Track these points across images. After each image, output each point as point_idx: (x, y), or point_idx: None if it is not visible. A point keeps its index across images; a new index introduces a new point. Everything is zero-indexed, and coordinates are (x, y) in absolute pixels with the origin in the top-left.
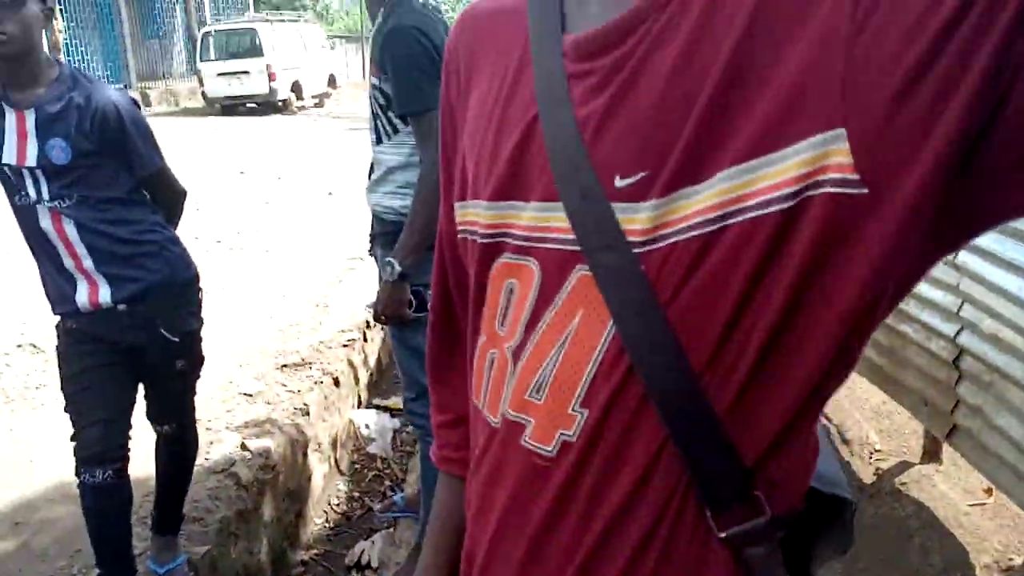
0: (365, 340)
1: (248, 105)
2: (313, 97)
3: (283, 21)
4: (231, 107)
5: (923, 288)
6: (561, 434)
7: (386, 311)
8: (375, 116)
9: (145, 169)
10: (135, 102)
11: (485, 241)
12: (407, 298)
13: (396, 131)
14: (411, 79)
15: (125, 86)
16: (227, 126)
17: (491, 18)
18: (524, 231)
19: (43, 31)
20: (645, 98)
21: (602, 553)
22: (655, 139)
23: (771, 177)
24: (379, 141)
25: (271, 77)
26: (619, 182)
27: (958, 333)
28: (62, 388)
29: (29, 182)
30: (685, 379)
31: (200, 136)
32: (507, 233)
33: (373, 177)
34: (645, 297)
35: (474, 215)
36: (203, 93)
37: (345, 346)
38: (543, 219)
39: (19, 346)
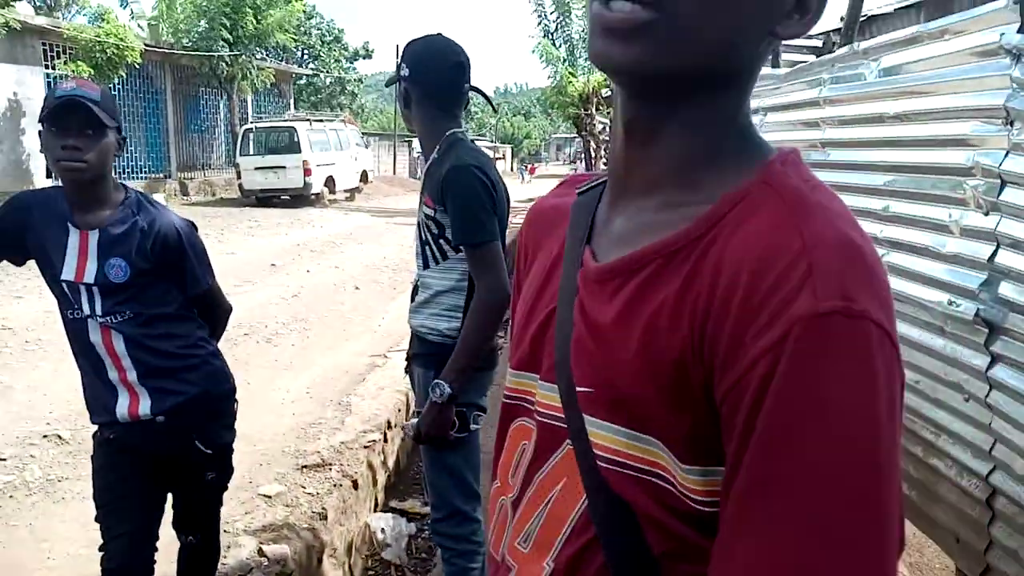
0: (385, 441)
1: (283, 197)
2: (345, 191)
3: (321, 120)
4: (266, 199)
5: (953, 423)
6: None
7: (430, 432)
8: (424, 243)
9: (197, 288)
10: (193, 225)
11: (506, 401)
12: (452, 420)
13: (445, 257)
14: (472, 213)
15: (166, 176)
16: (261, 217)
17: (551, 212)
18: (536, 401)
19: (115, 157)
20: (595, 332)
21: None
22: (591, 365)
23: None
24: (426, 266)
25: (307, 172)
26: (579, 388)
27: (991, 472)
28: (94, 497)
29: (84, 298)
30: (643, 557)
31: (234, 226)
32: (525, 399)
33: (418, 299)
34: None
35: (506, 379)
36: (240, 185)
37: (366, 447)
38: (546, 396)
39: (45, 436)
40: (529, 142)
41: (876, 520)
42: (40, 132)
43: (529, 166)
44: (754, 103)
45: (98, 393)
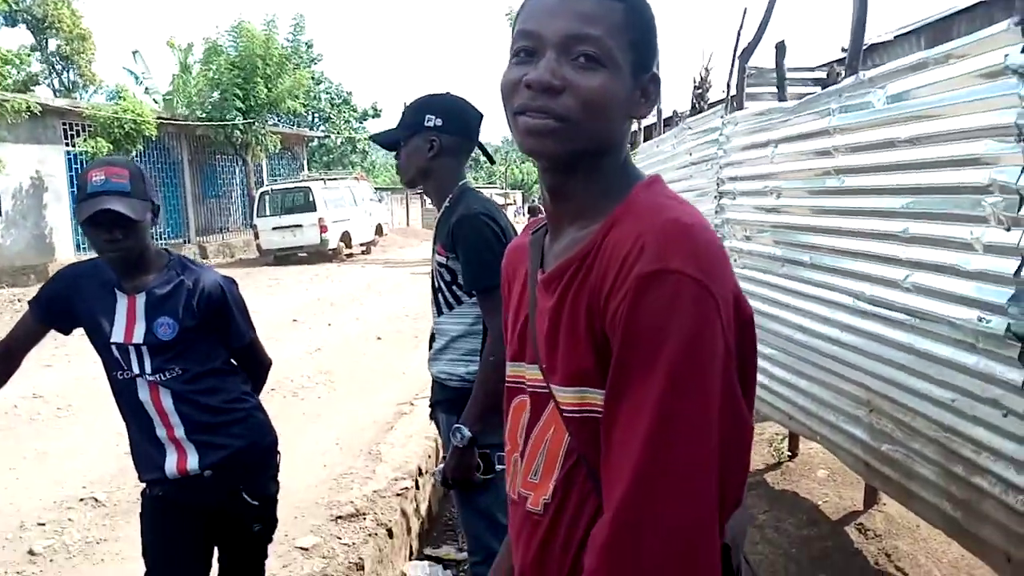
0: (417, 488)
1: (300, 254)
2: (361, 245)
3: (334, 179)
4: (284, 257)
5: (994, 439)
6: (543, 499)
7: (456, 475)
8: (438, 290)
9: (240, 341)
10: (233, 281)
11: (508, 386)
12: (476, 462)
13: (459, 302)
14: (483, 259)
15: (185, 241)
16: (280, 275)
17: (519, 250)
18: (524, 379)
19: (150, 228)
20: (547, 326)
21: (576, 567)
22: (548, 350)
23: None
24: (440, 312)
25: (323, 229)
26: (543, 364)
27: None
28: (143, 554)
29: (134, 358)
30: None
31: (255, 285)
32: (520, 381)
33: (436, 347)
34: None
35: (509, 366)
36: (258, 245)
37: (399, 495)
38: (533, 374)
39: (82, 500)
40: (539, 188)
41: (673, 378)
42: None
43: (535, 216)
44: (763, 136)
45: (146, 451)
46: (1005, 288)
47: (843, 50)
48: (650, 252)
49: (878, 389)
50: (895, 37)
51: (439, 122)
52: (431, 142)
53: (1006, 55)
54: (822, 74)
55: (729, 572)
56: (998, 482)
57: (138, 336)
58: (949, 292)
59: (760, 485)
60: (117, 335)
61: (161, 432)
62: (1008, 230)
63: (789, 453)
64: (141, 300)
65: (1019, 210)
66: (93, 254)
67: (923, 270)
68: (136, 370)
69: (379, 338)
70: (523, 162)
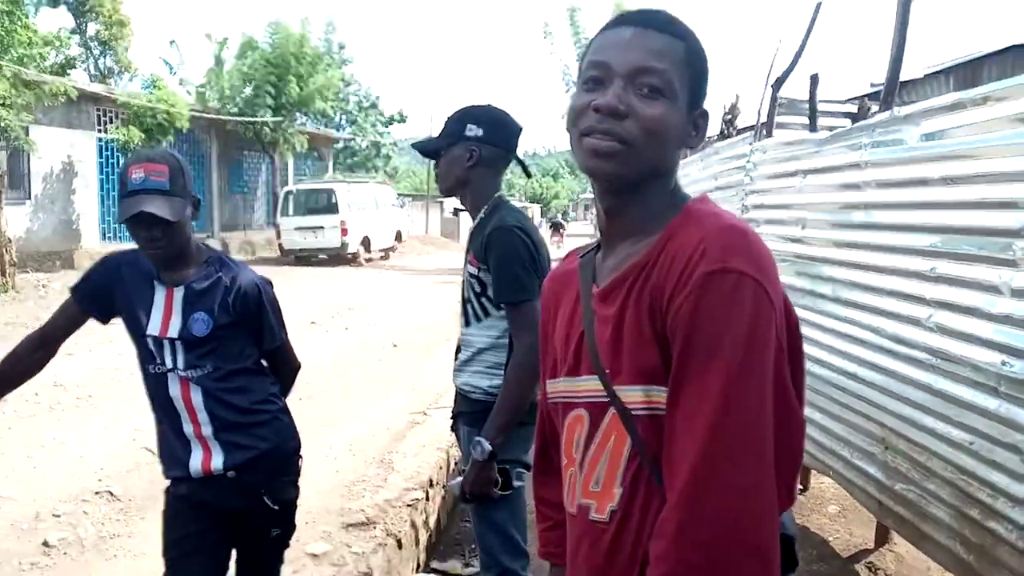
0: (427, 499)
1: (320, 256)
2: (380, 250)
3: (358, 182)
4: (304, 258)
5: (1011, 485)
6: (610, 506)
7: (474, 489)
8: (467, 301)
9: (272, 342)
10: (270, 283)
11: (561, 401)
12: (495, 477)
13: (487, 315)
14: (514, 273)
15: (209, 235)
16: (300, 275)
17: (563, 275)
18: (581, 393)
19: (191, 221)
20: (609, 332)
21: (644, 572)
22: (611, 355)
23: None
24: (468, 324)
25: (344, 232)
26: (607, 370)
27: None
28: (164, 553)
29: (167, 352)
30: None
31: (275, 285)
32: (571, 397)
33: (461, 358)
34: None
35: (558, 384)
36: (280, 245)
37: (409, 506)
38: (590, 385)
39: (97, 493)
40: (558, 202)
41: (742, 366)
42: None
43: (557, 233)
44: (792, 165)
45: (173, 447)
46: None
47: (872, 85)
48: (712, 253)
49: (895, 427)
50: (925, 76)
51: (480, 132)
52: (471, 152)
53: None
54: (853, 108)
55: (793, 562)
56: (1014, 528)
57: (173, 330)
58: (973, 334)
59: None
60: (153, 328)
61: (189, 429)
62: None
63: (801, 487)
64: (179, 294)
65: None
66: (118, 244)
67: (948, 310)
68: (169, 364)
69: (395, 345)
70: (544, 175)
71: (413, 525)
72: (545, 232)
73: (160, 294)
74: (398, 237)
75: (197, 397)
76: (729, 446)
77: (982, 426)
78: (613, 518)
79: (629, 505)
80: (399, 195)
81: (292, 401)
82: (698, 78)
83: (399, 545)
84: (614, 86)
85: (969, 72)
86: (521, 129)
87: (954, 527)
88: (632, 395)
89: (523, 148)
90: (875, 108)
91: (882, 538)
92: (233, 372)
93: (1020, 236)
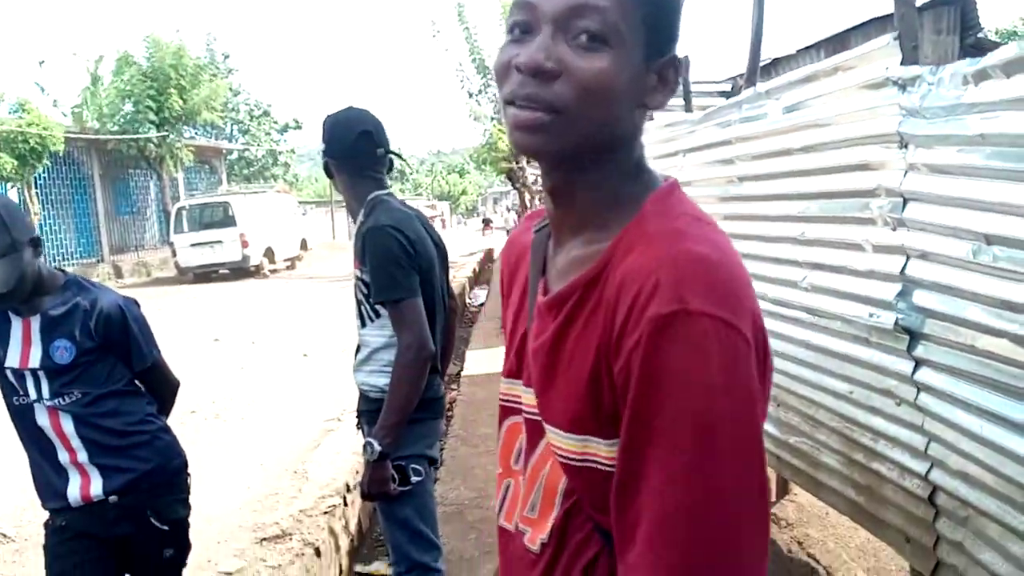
0: (346, 504)
1: (221, 272)
2: (285, 260)
3: (256, 192)
4: (204, 274)
5: (889, 427)
6: (541, 538)
7: (371, 489)
8: (359, 303)
9: (143, 363)
10: (135, 302)
11: (502, 404)
12: (389, 475)
13: (379, 315)
14: (388, 272)
15: (98, 260)
16: (200, 294)
17: (518, 245)
18: (520, 402)
19: (36, 259)
20: (544, 354)
21: None
22: (544, 380)
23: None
24: (363, 324)
25: (244, 244)
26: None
27: (929, 471)
28: None
29: (30, 383)
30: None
31: (173, 305)
32: (516, 401)
33: (359, 357)
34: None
35: (504, 383)
36: (176, 263)
37: (326, 513)
38: (529, 398)
39: None
40: (466, 198)
41: (707, 433)
42: None
43: (488, 227)
44: (673, 146)
45: (48, 478)
46: (893, 285)
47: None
48: (665, 289)
49: (784, 385)
50: (798, 51)
51: (323, 147)
52: (324, 163)
53: (887, 67)
54: (727, 87)
55: None
56: (895, 467)
57: (34, 360)
58: (843, 290)
59: None
60: (12, 360)
61: (64, 456)
62: (894, 230)
63: None
64: (36, 323)
65: (903, 211)
66: None
67: (819, 270)
68: (33, 395)
69: (305, 354)
70: (450, 173)
71: (332, 532)
72: (478, 227)
73: (17, 325)
74: (303, 245)
75: (68, 425)
76: (723, 554)
77: (859, 375)
78: (543, 552)
79: (561, 542)
80: (301, 203)
81: (198, 421)
82: (659, 16)
83: (317, 553)
84: (541, 35)
85: (839, 45)
86: (364, 130)
87: (844, 472)
88: (564, 443)
89: (425, 147)
90: (744, 86)
91: (782, 490)
92: (103, 396)
93: (875, 195)
